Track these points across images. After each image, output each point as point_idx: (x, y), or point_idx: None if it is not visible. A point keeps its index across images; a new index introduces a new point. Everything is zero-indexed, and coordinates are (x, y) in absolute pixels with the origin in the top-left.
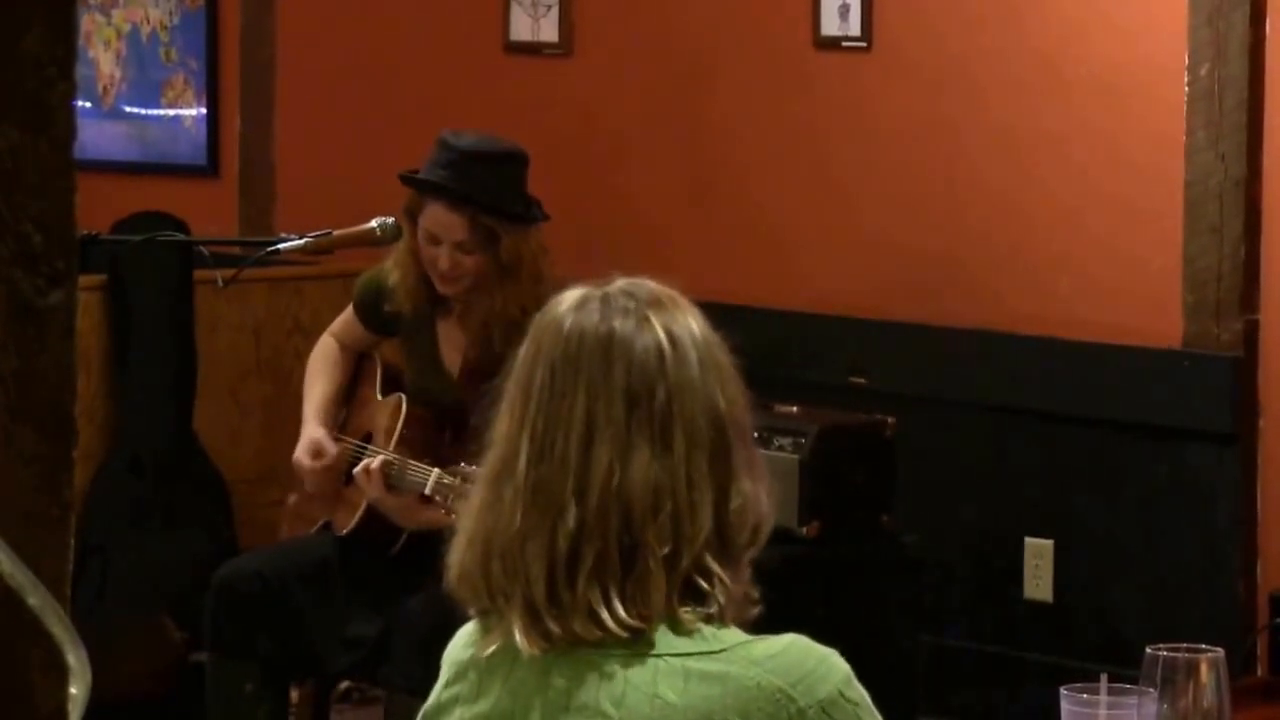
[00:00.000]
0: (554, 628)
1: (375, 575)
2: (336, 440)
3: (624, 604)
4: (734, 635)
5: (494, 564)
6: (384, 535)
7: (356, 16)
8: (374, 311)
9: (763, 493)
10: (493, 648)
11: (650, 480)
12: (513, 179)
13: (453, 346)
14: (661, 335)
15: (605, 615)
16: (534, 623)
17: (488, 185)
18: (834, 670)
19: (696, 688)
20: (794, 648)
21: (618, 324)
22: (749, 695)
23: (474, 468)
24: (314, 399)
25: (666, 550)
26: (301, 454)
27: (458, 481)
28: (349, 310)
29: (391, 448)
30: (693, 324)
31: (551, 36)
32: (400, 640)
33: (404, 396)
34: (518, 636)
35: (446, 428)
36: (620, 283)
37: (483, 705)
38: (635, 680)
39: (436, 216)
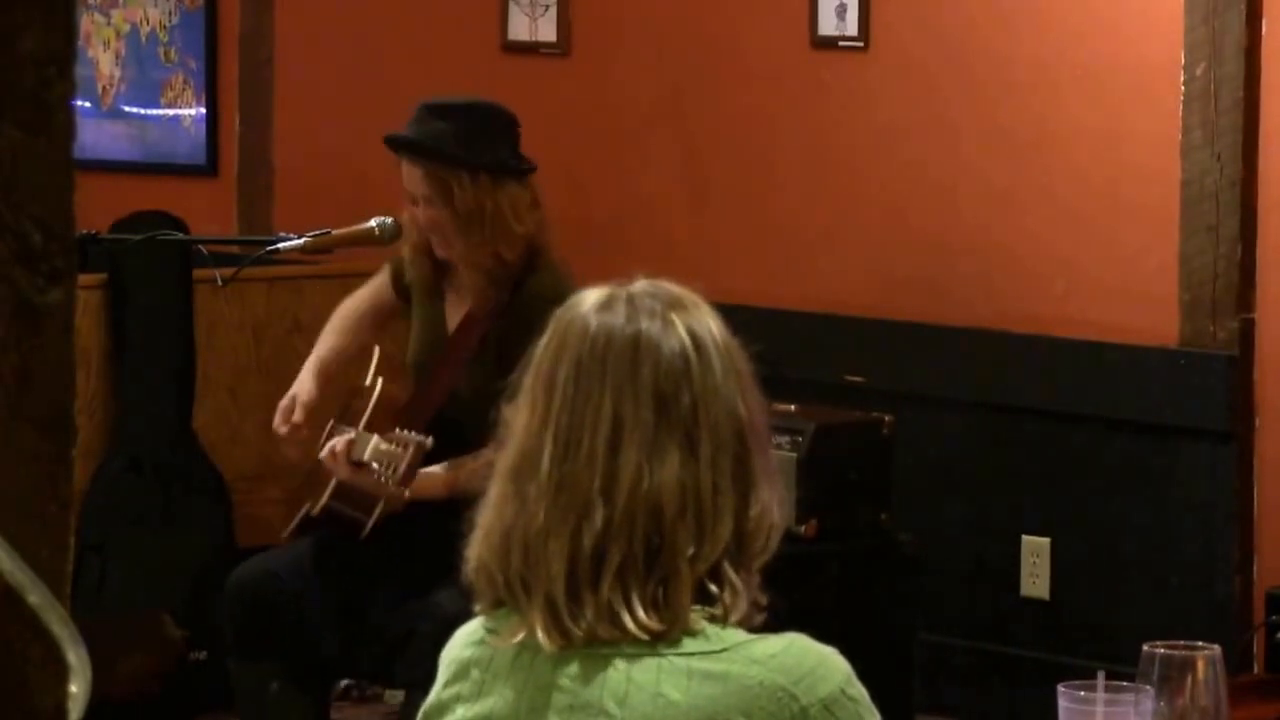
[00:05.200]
0: (572, 626)
1: (387, 568)
2: (334, 428)
3: (646, 607)
4: (735, 635)
5: (513, 558)
6: (352, 518)
7: (355, 16)
8: (402, 278)
9: (775, 500)
10: (511, 641)
11: (680, 483)
12: (476, 130)
13: (455, 312)
14: (686, 339)
15: (626, 617)
16: (554, 620)
17: (442, 135)
18: (835, 669)
19: (699, 687)
20: (795, 646)
21: (644, 326)
22: (752, 694)
23: (407, 433)
24: (319, 350)
25: (690, 553)
26: (278, 418)
27: (390, 446)
28: (381, 275)
29: (361, 429)
30: (714, 328)
31: (549, 36)
32: (425, 637)
33: (380, 379)
34: (539, 633)
35: (414, 405)
36: (642, 284)
37: (485, 704)
38: (639, 679)
39: (404, 172)
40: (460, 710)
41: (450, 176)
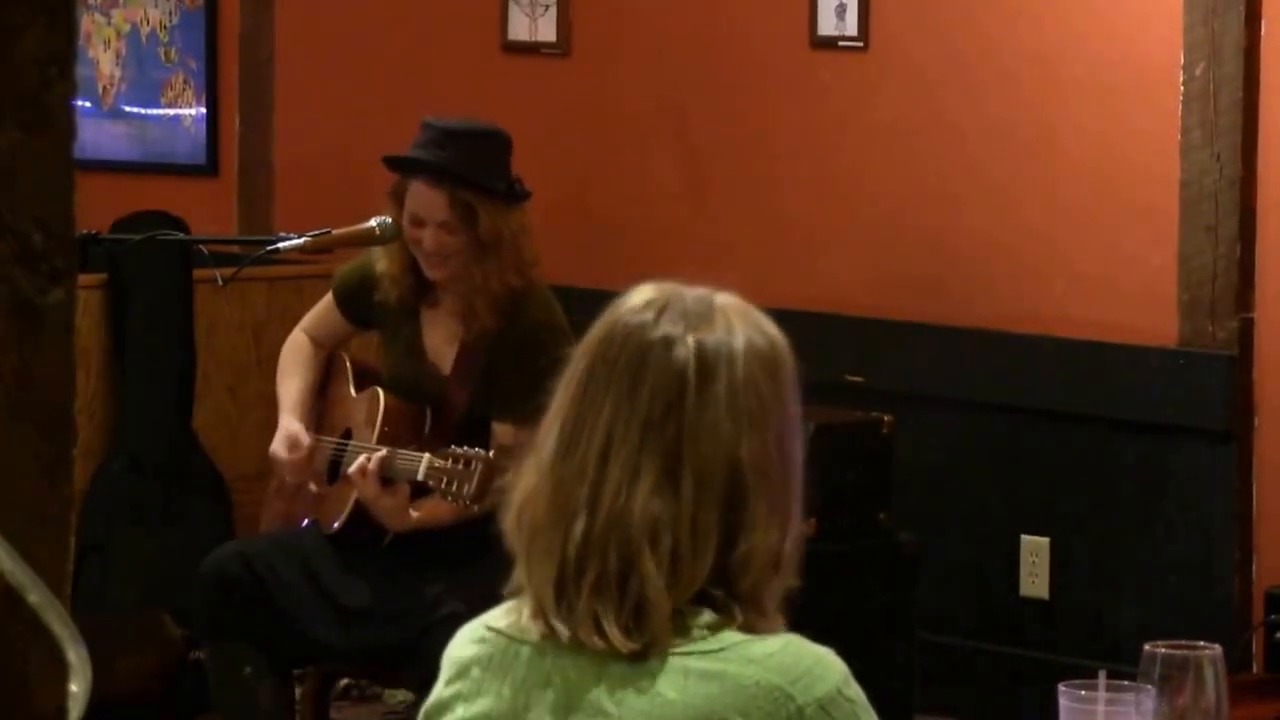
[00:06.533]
0: (561, 626)
1: (367, 559)
2: (315, 439)
3: (622, 630)
4: (732, 635)
5: (521, 539)
6: (373, 532)
7: (355, 17)
8: (358, 301)
9: (781, 540)
10: (510, 635)
11: (651, 513)
12: (492, 157)
13: (438, 336)
14: (693, 368)
15: (609, 628)
16: (542, 614)
17: (466, 161)
18: (831, 669)
19: (696, 686)
20: (791, 646)
21: (657, 339)
22: (748, 694)
23: (464, 449)
24: (289, 393)
25: (663, 584)
26: (278, 447)
27: (449, 464)
28: (325, 302)
29: (374, 443)
30: (741, 358)
31: (549, 36)
32: (437, 639)
33: (380, 390)
34: (534, 621)
35: (427, 417)
36: (694, 294)
37: (483, 703)
38: (635, 678)
39: (419, 195)
40: (460, 709)
41: (477, 202)
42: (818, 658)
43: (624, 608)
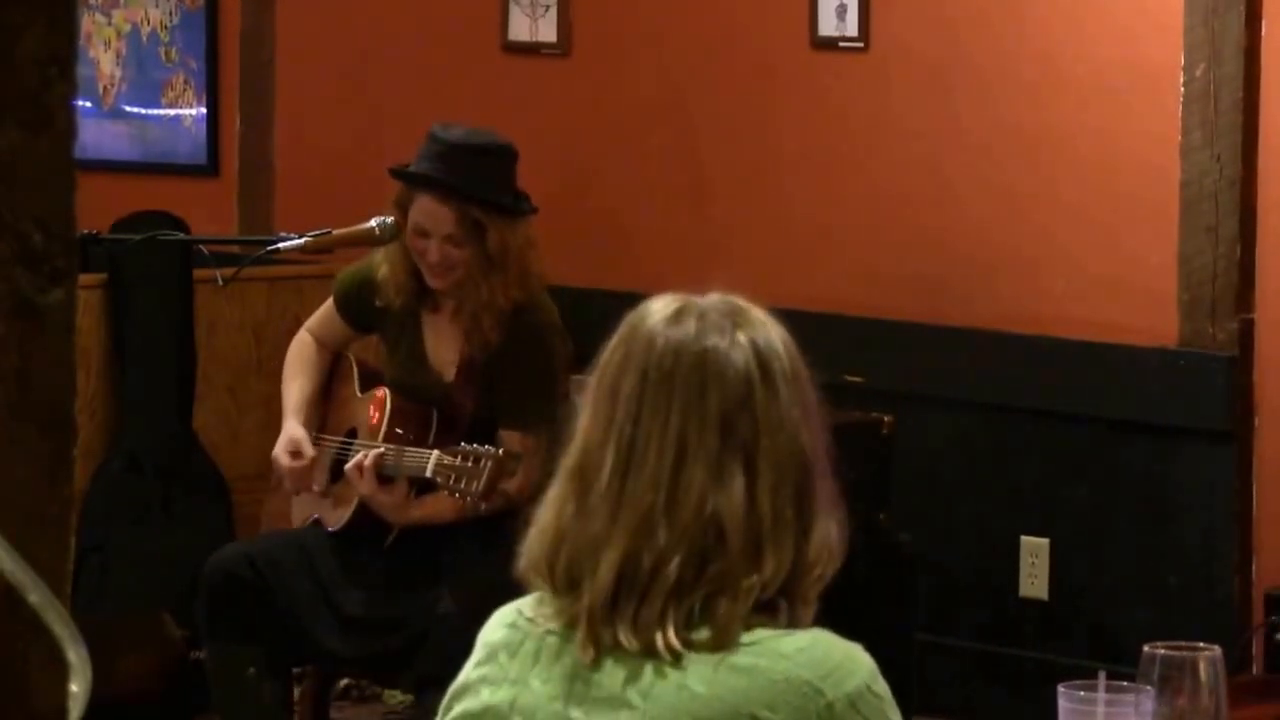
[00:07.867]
0: (604, 633)
1: (368, 562)
2: (318, 440)
3: (693, 627)
4: (761, 630)
5: (564, 558)
6: (376, 531)
7: (355, 17)
8: (358, 306)
9: (835, 526)
10: (544, 627)
11: (742, 509)
12: (501, 172)
13: (440, 342)
14: (754, 364)
15: (658, 637)
16: (589, 624)
17: (475, 177)
18: (860, 665)
19: (724, 679)
20: (821, 641)
21: (711, 346)
22: (777, 689)
23: (474, 446)
24: (293, 396)
25: (749, 581)
26: (280, 452)
27: (458, 461)
28: (328, 306)
29: (380, 442)
30: (782, 353)
31: (550, 37)
32: (438, 646)
33: (388, 390)
34: (574, 632)
35: (433, 419)
36: (714, 299)
37: (509, 690)
38: (663, 671)
39: (425, 209)
40: (485, 693)
41: (485, 218)
42: (847, 653)
43: (697, 609)
